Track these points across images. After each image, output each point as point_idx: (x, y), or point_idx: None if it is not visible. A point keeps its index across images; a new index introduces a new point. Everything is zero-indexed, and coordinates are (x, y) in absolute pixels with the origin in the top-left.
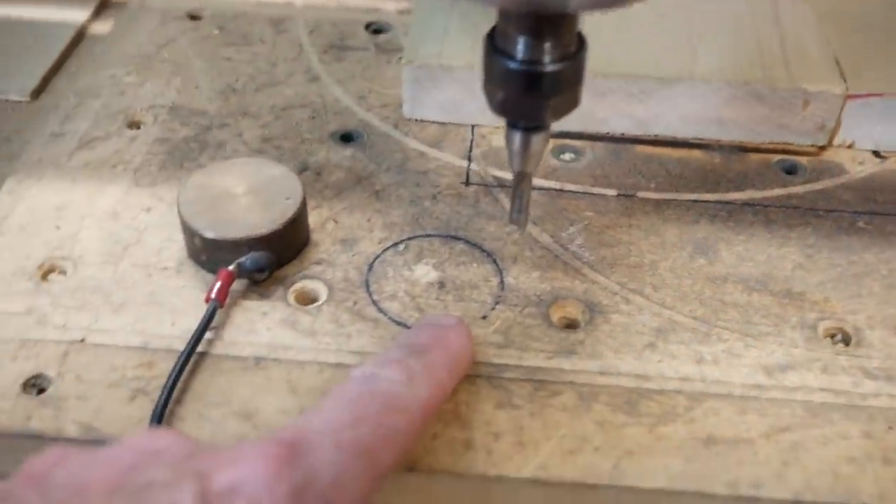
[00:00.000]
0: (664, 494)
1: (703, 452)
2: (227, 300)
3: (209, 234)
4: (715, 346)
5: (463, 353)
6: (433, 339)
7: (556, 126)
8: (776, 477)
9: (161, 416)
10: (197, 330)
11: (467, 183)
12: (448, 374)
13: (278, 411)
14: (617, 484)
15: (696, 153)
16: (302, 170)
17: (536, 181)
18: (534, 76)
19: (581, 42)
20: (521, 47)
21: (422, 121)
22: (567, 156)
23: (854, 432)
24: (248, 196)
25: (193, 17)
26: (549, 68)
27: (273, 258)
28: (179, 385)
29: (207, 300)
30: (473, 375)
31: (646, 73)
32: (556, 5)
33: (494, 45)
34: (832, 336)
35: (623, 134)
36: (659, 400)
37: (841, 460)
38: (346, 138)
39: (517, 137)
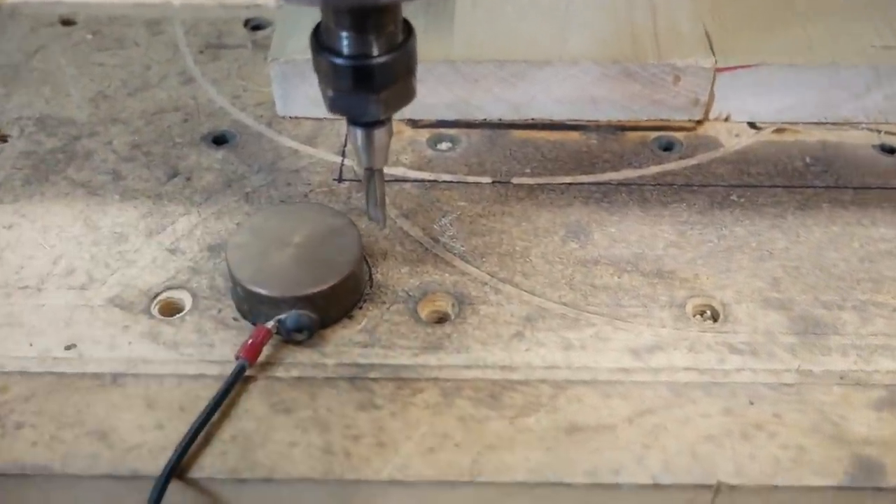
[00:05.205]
0: (523, 487)
1: (565, 441)
2: (259, 357)
3: (251, 287)
4: (583, 331)
5: None
6: None
7: (433, 115)
8: (636, 461)
9: (170, 473)
10: (221, 388)
11: (340, 179)
12: None
13: (135, 428)
14: (476, 480)
15: (573, 135)
16: (172, 175)
17: (411, 173)
18: (360, 70)
19: (408, 31)
20: (344, 42)
21: (296, 118)
22: (443, 145)
23: (714, 410)
24: (301, 248)
25: (66, 22)
26: (376, 61)
27: (316, 319)
28: (32, 407)
29: (237, 357)
30: (335, 378)
31: (515, 57)
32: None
33: (319, 41)
34: (701, 313)
35: (500, 119)
36: (523, 391)
37: (700, 439)
38: (219, 140)
39: (359, 134)
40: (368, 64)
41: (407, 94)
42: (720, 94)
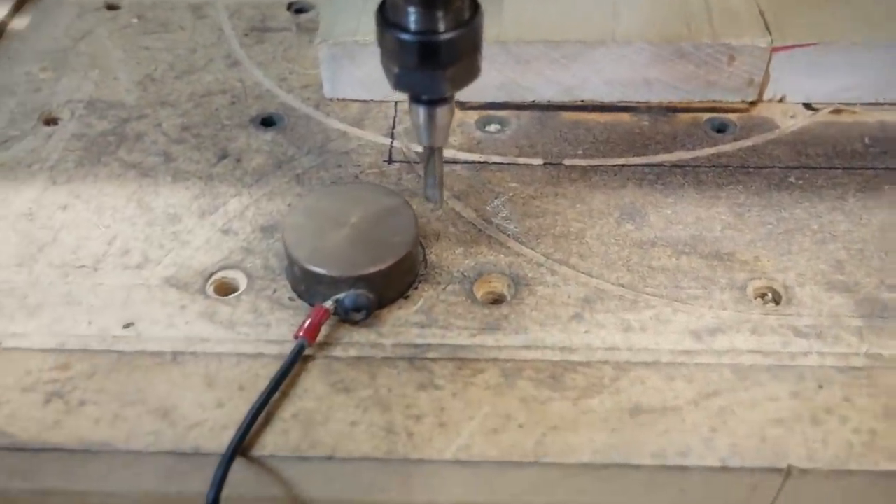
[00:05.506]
0: (588, 469)
1: (630, 423)
2: (318, 337)
3: (309, 267)
4: (642, 312)
5: None
6: None
7: (482, 97)
8: (704, 444)
9: (234, 451)
10: (282, 368)
11: (390, 161)
12: None
13: (195, 406)
14: (540, 461)
15: (625, 117)
16: (221, 157)
17: (461, 154)
18: (427, 46)
19: (475, 8)
20: (411, 17)
21: (343, 100)
22: (492, 127)
23: (782, 393)
24: (357, 228)
25: (111, 6)
26: (443, 37)
27: (374, 299)
28: (93, 386)
29: (296, 336)
30: (394, 357)
31: (567, 38)
32: None
33: (385, 17)
34: (762, 296)
35: (549, 101)
36: (584, 372)
37: (769, 422)
38: (267, 122)
39: (421, 111)
40: (435, 40)
41: (472, 72)
42: (775, 74)
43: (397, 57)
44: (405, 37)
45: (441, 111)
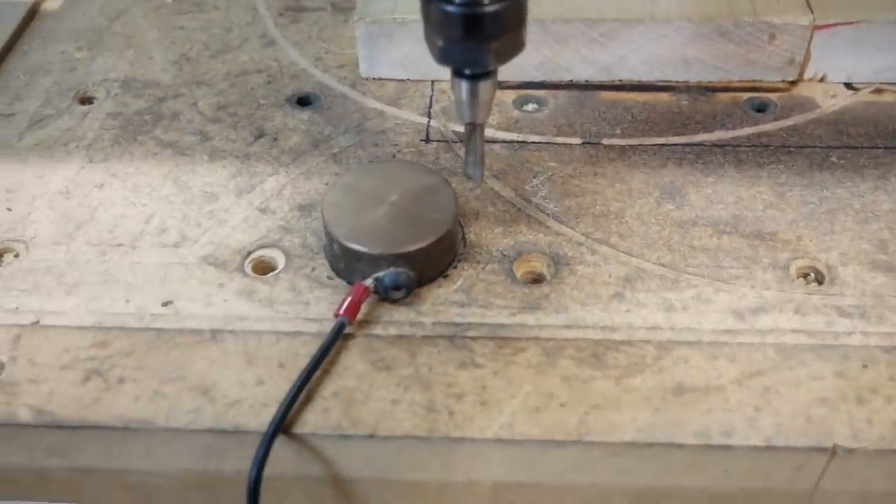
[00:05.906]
0: (631, 448)
1: (673, 402)
2: (357, 315)
3: (348, 244)
4: (684, 292)
5: None
6: None
7: (519, 76)
8: (748, 423)
9: (276, 429)
10: (322, 345)
11: (427, 140)
12: None
13: (235, 384)
14: (583, 439)
15: (663, 96)
16: (258, 136)
17: (499, 134)
18: (472, 18)
19: None
20: None
21: (380, 79)
22: (530, 106)
23: (827, 373)
24: (397, 206)
25: None
26: (488, 9)
27: (414, 277)
28: (133, 363)
29: (336, 315)
30: (434, 336)
31: (605, 16)
32: None
33: None
34: (805, 275)
35: (587, 81)
36: (626, 351)
37: (813, 402)
38: (303, 101)
39: (464, 86)
40: (481, 12)
41: (517, 45)
42: (817, 53)
43: (441, 29)
44: (450, 8)
45: (484, 86)
